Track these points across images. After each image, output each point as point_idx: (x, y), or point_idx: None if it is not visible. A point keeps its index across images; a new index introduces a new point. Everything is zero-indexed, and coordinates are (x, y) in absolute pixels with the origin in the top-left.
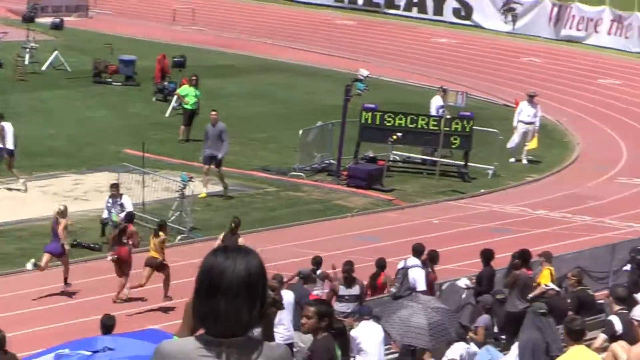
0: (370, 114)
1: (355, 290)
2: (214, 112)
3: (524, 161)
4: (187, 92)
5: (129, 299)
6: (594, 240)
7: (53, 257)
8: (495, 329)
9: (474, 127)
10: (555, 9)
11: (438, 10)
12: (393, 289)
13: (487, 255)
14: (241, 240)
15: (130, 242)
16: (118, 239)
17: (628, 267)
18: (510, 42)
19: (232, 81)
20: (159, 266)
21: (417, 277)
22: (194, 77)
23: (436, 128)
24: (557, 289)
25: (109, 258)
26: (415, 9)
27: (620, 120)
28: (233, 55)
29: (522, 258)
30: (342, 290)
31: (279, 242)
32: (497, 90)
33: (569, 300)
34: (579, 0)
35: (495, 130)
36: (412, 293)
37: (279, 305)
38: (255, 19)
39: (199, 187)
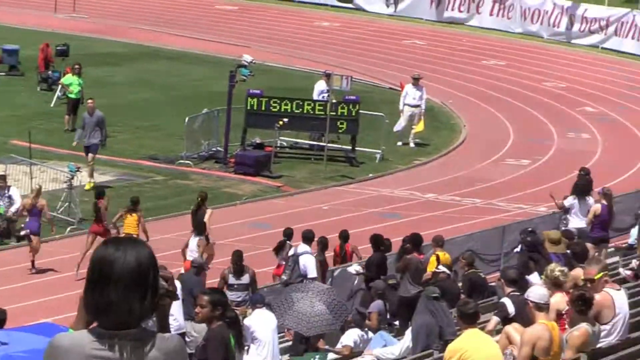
0: (255, 100)
1: (245, 279)
2: (90, 101)
3: (412, 144)
4: (71, 81)
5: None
6: (483, 222)
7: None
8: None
9: (360, 111)
10: None
11: None
12: (284, 276)
13: (376, 241)
14: (208, 212)
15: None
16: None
17: (518, 248)
18: (392, 25)
19: (116, 69)
20: None
21: (308, 264)
22: (76, 66)
23: (322, 113)
24: (447, 272)
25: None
26: None
27: (506, 102)
28: (116, 42)
29: (413, 242)
30: (232, 280)
31: (169, 232)
32: (382, 74)
33: (460, 284)
34: None
35: (381, 114)
36: (303, 280)
37: (173, 295)
38: (137, 5)
39: (87, 177)
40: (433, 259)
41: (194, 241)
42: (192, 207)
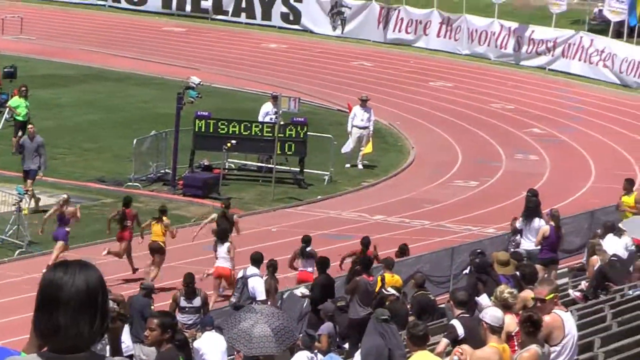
0: (203, 122)
1: (197, 302)
2: (30, 126)
3: (360, 166)
4: (18, 104)
5: None
6: (432, 244)
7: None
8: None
9: (308, 133)
10: (384, 12)
11: (266, 15)
12: (233, 299)
13: (322, 264)
14: (236, 217)
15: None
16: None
17: (467, 270)
18: (340, 46)
19: (62, 91)
20: (158, 249)
21: (257, 286)
22: (23, 88)
23: (270, 135)
24: (396, 294)
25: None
26: (243, 14)
27: (453, 123)
28: (63, 64)
29: (363, 264)
30: (183, 302)
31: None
32: (330, 95)
33: (409, 305)
34: (406, 3)
35: (329, 135)
36: (252, 302)
37: (125, 319)
38: (84, 27)
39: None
40: (378, 279)
41: (222, 248)
42: (214, 215)
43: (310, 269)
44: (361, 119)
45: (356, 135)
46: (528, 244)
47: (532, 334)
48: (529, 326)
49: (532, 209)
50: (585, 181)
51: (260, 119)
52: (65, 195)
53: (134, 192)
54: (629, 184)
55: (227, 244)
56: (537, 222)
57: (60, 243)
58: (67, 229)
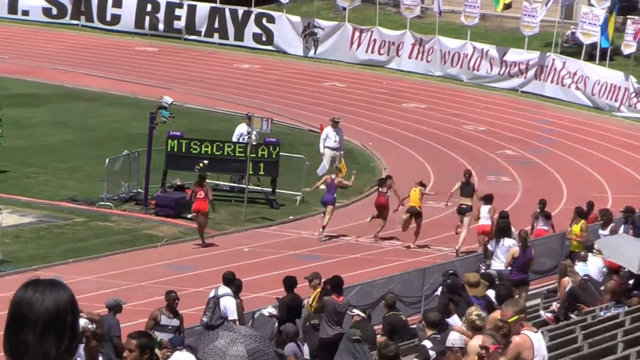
0: (176, 141)
1: (175, 322)
2: None
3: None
4: None
5: None
6: (404, 264)
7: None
8: (307, 355)
9: (281, 153)
10: (357, 33)
11: (239, 35)
12: (205, 319)
13: (289, 283)
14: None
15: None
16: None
17: (439, 291)
18: (312, 67)
19: (35, 110)
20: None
21: (229, 305)
22: None
23: (243, 155)
24: (362, 314)
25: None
26: (216, 35)
27: (426, 144)
28: (36, 83)
29: (333, 284)
30: (165, 320)
31: (89, 273)
32: (302, 116)
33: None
34: (379, 24)
35: (301, 156)
36: (224, 322)
37: (100, 338)
38: (54, 46)
39: (7, 219)
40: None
41: (484, 209)
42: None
43: (546, 228)
44: (334, 140)
45: (329, 156)
46: (498, 264)
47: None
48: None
49: (502, 230)
50: (557, 203)
51: (234, 139)
52: (338, 165)
53: (106, 212)
54: (578, 214)
55: (489, 206)
56: (508, 242)
57: (329, 207)
58: (334, 195)
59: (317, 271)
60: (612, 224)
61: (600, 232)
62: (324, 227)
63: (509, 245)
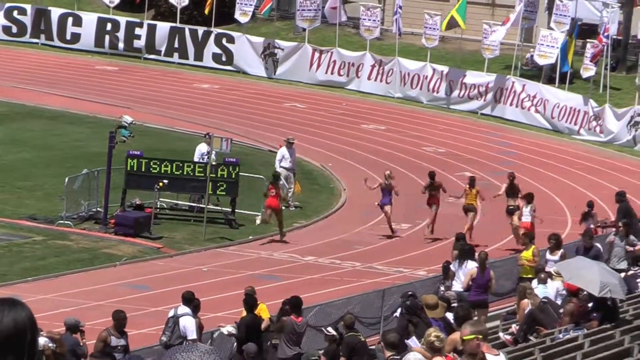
0: (135, 161)
1: (123, 341)
2: None
3: (292, 207)
4: None
5: None
6: (363, 285)
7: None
8: None
9: (240, 174)
10: (316, 54)
11: (199, 55)
12: (164, 338)
13: (249, 303)
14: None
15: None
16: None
17: (398, 312)
18: (272, 88)
19: None
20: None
21: (188, 325)
22: None
23: (202, 175)
24: (335, 334)
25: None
26: (176, 55)
27: (386, 166)
28: None
29: (292, 305)
30: (115, 341)
31: (48, 292)
32: (262, 136)
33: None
34: (339, 46)
35: (261, 176)
36: (184, 341)
37: (61, 358)
38: (14, 64)
39: None
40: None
41: (527, 209)
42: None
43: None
44: (290, 160)
45: (284, 175)
46: (459, 285)
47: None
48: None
49: (466, 252)
50: None
51: (195, 159)
52: (388, 172)
53: (65, 230)
54: (528, 239)
55: (530, 204)
56: (471, 265)
57: (387, 207)
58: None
59: (277, 291)
60: (561, 250)
61: (549, 256)
62: (391, 228)
63: (469, 268)
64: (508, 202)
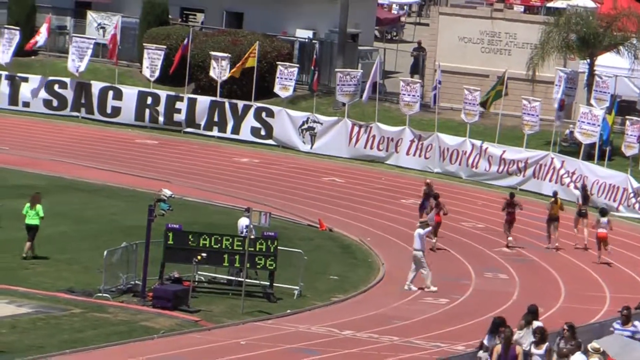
0: (174, 234)
1: None
2: None
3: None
4: None
5: None
6: None
7: None
8: None
9: (278, 247)
10: (356, 129)
11: (237, 129)
12: None
13: None
14: None
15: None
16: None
17: None
18: (311, 162)
19: None
20: None
21: None
22: None
23: (240, 248)
24: None
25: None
26: (215, 128)
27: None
28: (35, 174)
29: None
30: None
31: None
32: (301, 210)
33: None
34: (379, 120)
35: (299, 250)
36: None
37: None
38: (55, 137)
39: (4, 309)
40: None
41: (604, 219)
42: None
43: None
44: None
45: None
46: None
47: None
48: None
49: (497, 326)
50: (554, 300)
51: (239, 233)
52: (428, 180)
53: (103, 303)
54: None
55: (606, 217)
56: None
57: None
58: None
59: None
60: (546, 344)
61: (534, 350)
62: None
63: None
64: (580, 207)
